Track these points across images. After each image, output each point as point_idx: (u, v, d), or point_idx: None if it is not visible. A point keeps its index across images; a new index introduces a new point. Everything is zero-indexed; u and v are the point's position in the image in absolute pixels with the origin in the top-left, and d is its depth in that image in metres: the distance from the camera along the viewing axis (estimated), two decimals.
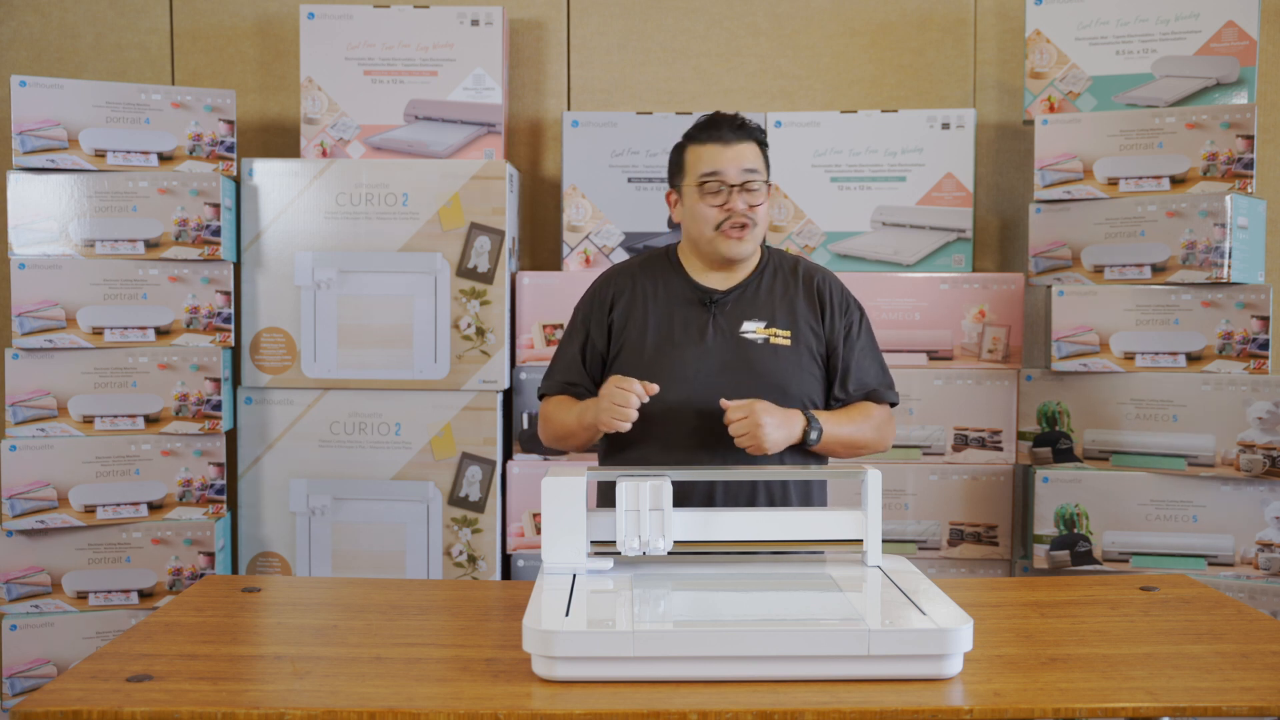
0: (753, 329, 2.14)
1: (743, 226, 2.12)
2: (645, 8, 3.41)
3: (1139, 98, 3.01)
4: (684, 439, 2.11)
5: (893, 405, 2.25)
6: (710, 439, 2.10)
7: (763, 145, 2.19)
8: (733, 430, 2.01)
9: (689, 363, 2.12)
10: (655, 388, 2.02)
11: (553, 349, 3.11)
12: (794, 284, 2.20)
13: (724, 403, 2.03)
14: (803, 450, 2.13)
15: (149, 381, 3.03)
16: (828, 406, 2.20)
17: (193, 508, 3.07)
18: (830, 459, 2.21)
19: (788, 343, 2.14)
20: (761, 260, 2.23)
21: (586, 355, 2.22)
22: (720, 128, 2.15)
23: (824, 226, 3.20)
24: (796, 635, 1.53)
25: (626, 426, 2.02)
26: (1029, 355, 3.31)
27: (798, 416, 2.06)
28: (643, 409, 2.12)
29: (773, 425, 2.00)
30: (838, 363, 2.19)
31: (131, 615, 3.05)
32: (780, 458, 2.12)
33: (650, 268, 2.24)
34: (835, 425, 2.11)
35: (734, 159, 2.13)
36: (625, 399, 1.99)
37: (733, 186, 2.12)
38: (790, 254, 2.29)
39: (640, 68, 3.42)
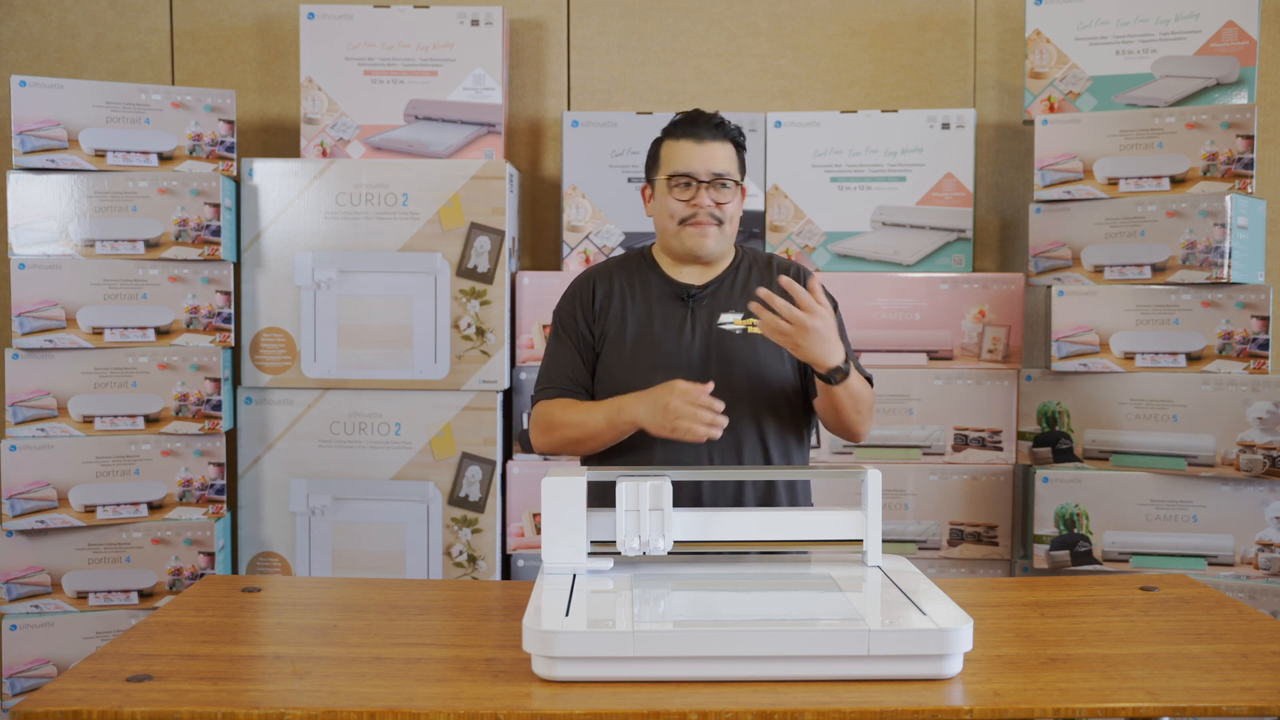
0: (730, 320, 2.16)
1: (713, 223, 2.14)
2: (645, 8, 3.41)
3: (1139, 98, 3.00)
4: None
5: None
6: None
7: (739, 147, 2.20)
8: (778, 315, 1.94)
9: (669, 356, 2.13)
10: (712, 396, 1.96)
11: None
12: (769, 277, 2.21)
13: (790, 291, 1.95)
14: (786, 417, 2.13)
15: (149, 381, 3.03)
16: (805, 394, 2.18)
17: (193, 508, 3.07)
18: (823, 429, 2.21)
19: None
20: (736, 257, 2.24)
21: (583, 353, 2.22)
22: (697, 125, 2.16)
23: (824, 226, 3.20)
24: (796, 635, 1.53)
25: (716, 433, 1.97)
26: (1029, 355, 3.31)
27: (840, 350, 2.02)
28: None
29: (818, 339, 1.96)
30: None
31: (131, 615, 3.05)
32: (766, 449, 2.13)
33: (627, 267, 2.25)
34: (855, 378, 2.08)
35: (706, 158, 2.14)
36: (694, 413, 1.94)
37: (701, 183, 2.13)
38: (764, 252, 2.31)
39: (640, 68, 3.42)
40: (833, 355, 2.00)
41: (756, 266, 2.24)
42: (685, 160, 2.14)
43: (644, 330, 2.16)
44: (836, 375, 2.02)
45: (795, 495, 2.20)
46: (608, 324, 2.19)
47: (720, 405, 1.97)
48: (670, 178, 2.15)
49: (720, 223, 2.15)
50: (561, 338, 2.24)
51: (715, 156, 2.14)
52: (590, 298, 2.22)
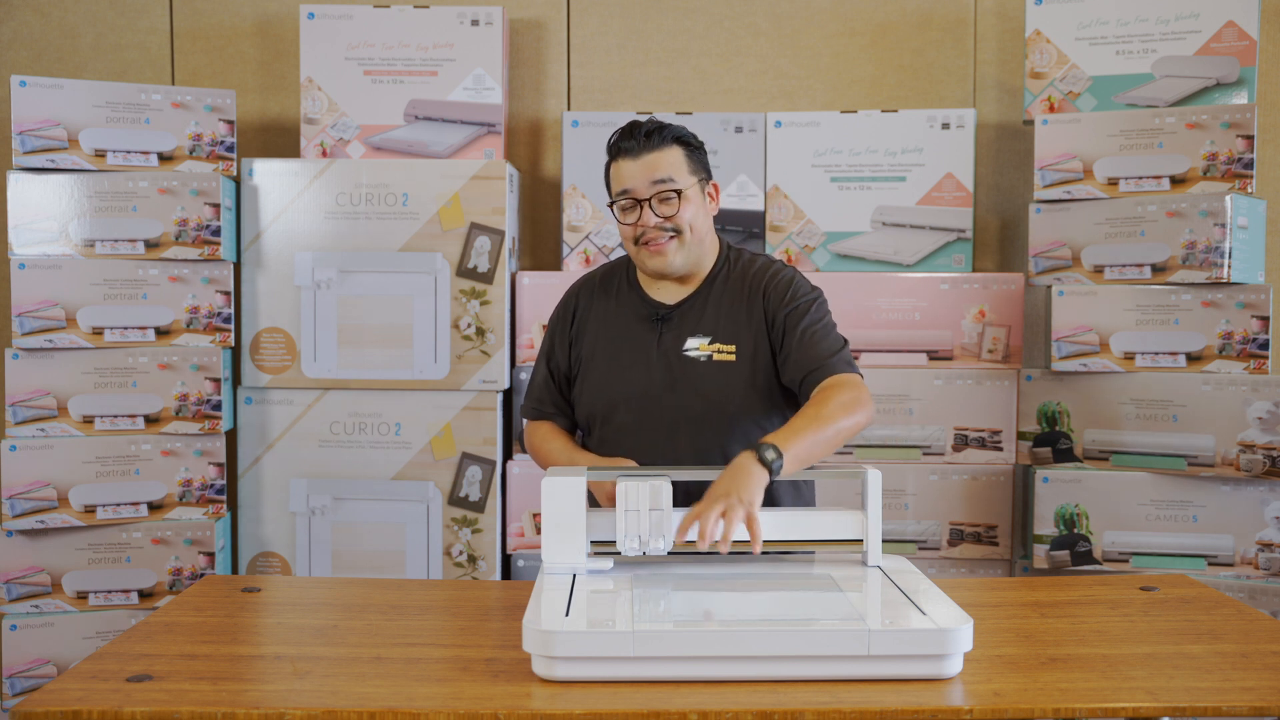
0: (695, 346, 2.08)
1: (667, 238, 2.04)
2: (645, 8, 3.41)
3: (1139, 98, 3.00)
4: (638, 460, 2.04)
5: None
6: (661, 462, 2.05)
7: (689, 146, 2.08)
8: (717, 534, 1.72)
9: (635, 384, 2.09)
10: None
11: None
12: (742, 290, 2.11)
13: (688, 523, 1.75)
14: (756, 438, 1.90)
15: (149, 381, 3.03)
16: (780, 408, 2.08)
17: (193, 508, 3.07)
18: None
19: (732, 358, 2.06)
20: (716, 266, 2.14)
21: (555, 375, 2.22)
22: (632, 139, 2.05)
23: (824, 226, 3.20)
24: (796, 635, 1.53)
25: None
26: (1029, 355, 3.31)
27: (748, 459, 1.80)
28: (597, 433, 2.15)
29: (741, 498, 1.74)
30: (782, 351, 2.05)
31: (131, 615, 3.05)
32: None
33: (609, 283, 2.20)
34: (793, 437, 1.85)
35: (643, 171, 2.03)
36: None
37: (642, 201, 2.04)
38: (751, 254, 2.17)
39: (640, 68, 3.42)
40: (762, 477, 1.79)
41: (734, 278, 2.12)
42: (624, 179, 2.05)
43: (614, 357, 2.13)
44: (774, 472, 1.81)
45: (800, 496, 2.16)
46: (583, 347, 2.17)
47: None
48: (615, 202, 2.07)
49: (678, 233, 2.05)
50: (542, 359, 2.25)
51: (653, 167, 2.03)
52: (568, 318, 2.21)
